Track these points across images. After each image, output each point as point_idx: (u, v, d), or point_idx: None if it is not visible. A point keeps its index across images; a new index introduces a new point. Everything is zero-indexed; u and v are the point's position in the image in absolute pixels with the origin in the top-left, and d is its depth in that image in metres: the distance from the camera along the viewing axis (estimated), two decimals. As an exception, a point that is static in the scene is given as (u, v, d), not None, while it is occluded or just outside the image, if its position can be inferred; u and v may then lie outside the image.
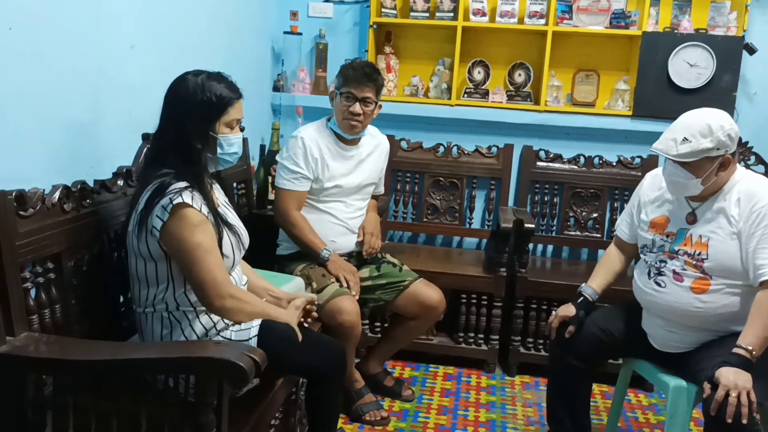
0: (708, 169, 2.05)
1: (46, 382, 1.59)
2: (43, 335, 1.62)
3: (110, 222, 1.96)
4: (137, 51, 2.33)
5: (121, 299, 2.04)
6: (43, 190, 1.68)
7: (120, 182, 2.02)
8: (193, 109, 1.82)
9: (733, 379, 1.87)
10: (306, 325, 2.10)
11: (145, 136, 2.18)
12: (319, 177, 2.72)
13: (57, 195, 1.72)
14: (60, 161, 1.97)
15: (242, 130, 1.96)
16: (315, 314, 2.16)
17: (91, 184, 1.91)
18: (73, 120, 2.04)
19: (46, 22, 1.87)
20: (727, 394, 1.86)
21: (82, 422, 1.55)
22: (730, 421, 1.84)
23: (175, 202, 1.71)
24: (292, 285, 2.48)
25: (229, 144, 1.88)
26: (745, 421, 1.84)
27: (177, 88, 1.85)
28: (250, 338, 1.83)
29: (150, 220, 1.73)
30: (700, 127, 2.02)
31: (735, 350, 1.95)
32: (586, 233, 3.59)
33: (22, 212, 1.59)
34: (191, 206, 1.74)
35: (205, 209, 1.79)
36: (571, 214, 3.59)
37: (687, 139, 2.02)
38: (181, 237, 1.73)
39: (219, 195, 2.01)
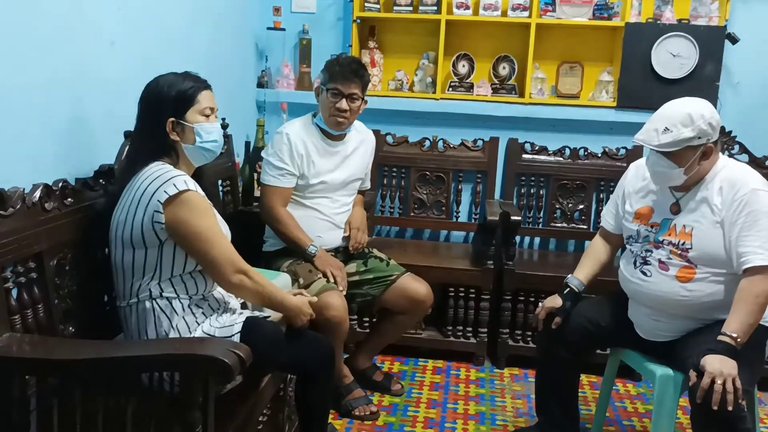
0: (690, 159, 2.06)
1: (30, 383, 1.57)
2: (26, 335, 1.60)
3: (93, 220, 1.94)
4: (118, 48, 2.30)
5: (106, 298, 2.02)
6: (23, 189, 1.67)
7: (102, 181, 2.01)
8: (164, 103, 1.86)
9: (719, 366, 1.88)
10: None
11: (127, 134, 2.16)
12: (305, 173, 2.71)
13: (38, 194, 1.70)
14: (41, 160, 1.94)
15: (225, 127, 1.96)
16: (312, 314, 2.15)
17: (72, 182, 1.89)
18: (53, 119, 2.01)
19: (26, 19, 1.85)
20: (713, 382, 1.87)
21: (67, 422, 1.54)
22: (716, 408, 1.86)
23: (180, 189, 1.75)
24: (278, 281, 2.47)
25: (207, 132, 1.90)
26: (730, 408, 1.85)
27: (147, 89, 1.91)
28: (233, 335, 1.82)
29: (150, 206, 1.75)
30: (681, 117, 2.03)
31: (720, 338, 1.96)
32: (573, 225, 3.60)
33: (1, 212, 1.57)
34: (195, 191, 1.78)
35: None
36: (557, 206, 3.60)
37: (668, 129, 2.03)
38: (192, 221, 1.77)
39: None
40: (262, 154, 2.81)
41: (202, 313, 1.87)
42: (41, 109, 1.95)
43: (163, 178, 1.77)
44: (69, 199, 1.83)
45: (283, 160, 2.67)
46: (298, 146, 2.69)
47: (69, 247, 1.84)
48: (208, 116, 1.91)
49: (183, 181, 1.77)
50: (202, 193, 1.84)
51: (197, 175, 1.99)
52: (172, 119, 1.86)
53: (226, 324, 1.86)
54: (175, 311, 1.83)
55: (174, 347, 1.54)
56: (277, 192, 2.68)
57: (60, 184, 1.81)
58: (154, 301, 1.81)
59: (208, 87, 1.94)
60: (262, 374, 1.96)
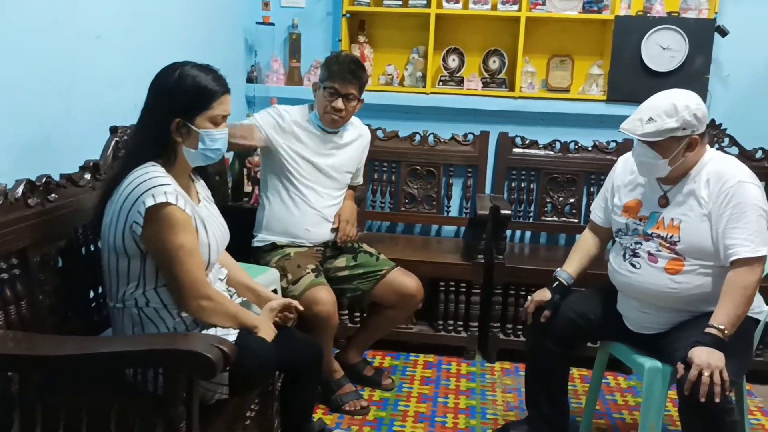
0: (674, 150, 2.06)
1: (13, 380, 1.56)
2: (9, 332, 1.59)
3: (78, 216, 1.92)
4: (104, 42, 2.29)
5: (92, 294, 2.01)
6: (5, 184, 1.65)
7: (87, 176, 1.98)
8: (175, 101, 1.77)
9: (706, 358, 1.88)
10: (284, 324, 2.07)
11: (113, 129, 2.15)
12: (291, 147, 2.70)
13: (20, 189, 1.69)
14: (25, 155, 1.93)
15: None
16: (294, 316, 2.11)
17: (56, 178, 1.87)
18: (36, 113, 2.00)
19: (8, 11, 1.84)
20: (701, 374, 1.87)
21: (50, 419, 1.52)
22: (703, 400, 1.86)
23: (158, 201, 1.68)
24: (266, 276, 2.47)
25: (212, 140, 1.82)
26: (717, 400, 1.85)
27: (160, 79, 1.80)
28: None
29: (130, 216, 1.70)
30: (665, 107, 2.03)
31: (707, 330, 1.96)
32: (563, 218, 3.60)
33: (-17, 207, 1.56)
34: (175, 205, 1.70)
35: (188, 208, 1.76)
36: (547, 200, 3.59)
37: (652, 119, 2.03)
38: (164, 238, 1.70)
39: (201, 190, 1.98)
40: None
41: (193, 321, 1.82)
42: (24, 102, 1.94)
43: (145, 187, 1.69)
44: (53, 195, 1.81)
45: (259, 119, 2.70)
46: (290, 123, 2.70)
47: (53, 243, 1.83)
48: (217, 124, 1.82)
49: (163, 192, 1.69)
50: (183, 203, 1.73)
51: (201, 167, 1.94)
52: (178, 120, 1.77)
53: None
54: (163, 320, 1.79)
55: (157, 342, 1.53)
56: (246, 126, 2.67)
57: (44, 180, 1.79)
58: (140, 310, 1.78)
59: (226, 91, 1.83)
60: (252, 389, 1.93)
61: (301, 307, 2.11)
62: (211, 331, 1.81)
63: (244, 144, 2.67)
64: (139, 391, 1.58)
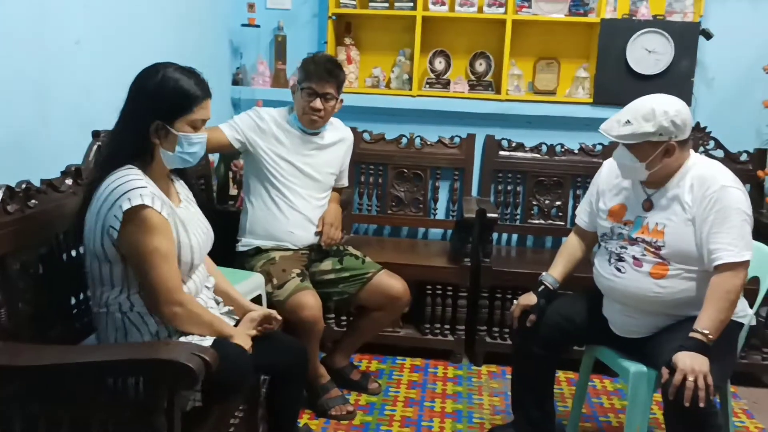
0: (651, 155, 2.07)
1: (-9, 390, 1.54)
2: (-12, 341, 1.57)
3: (59, 222, 1.89)
4: (84, 47, 2.27)
5: (73, 301, 1.99)
6: (-16, 191, 1.63)
7: (69, 181, 1.96)
8: (156, 102, 1.75)
9: (690, 363, 1.88)
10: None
11: (95, 134, 2.12)
12: (270, 148, 2.70)
13: (-1, 195, 1.67)
14: (3, 161, 1.91)
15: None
16: (273, 327, 2.07)
17: (37, 183, 1.85)
18: (16, 118, 1.98)
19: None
20: (685, 378, 1.87)
21: (30, 428, 1.50)
22: (687, 404, 1.86)
23: (134, 204, 1.66)
24: (251, 282, 2.45)
25: (190, 143, 1.81)
26: (702, 405, 1.86)
27: (142, 80, 1.78)
28: None
29: (107, 220, 1.68)
30: (644, 111, 2.04)
31: (692, 334, 1.97)
32: (550, 221, 3.60)
33: (-39, 214, 1.54)
34: (151, 208, 1.68)
35: (165, 211, 1.74)
36: (534, 203, 3.60)
37: (629, 122, 2.05)
38: (138, 240, 1.68)
39: (181, 190, 1.96)
40: None
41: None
42: (3, 108, 1.91)
43: (121, 190, 1.67)
44: (33, 201, 1.78)
45: (240, 119, 2.71)
46: (269, 124, 2.70)
47: (34, 250, 1.80)
48: (197, 128, 1.81)
49: (140, 195, 1.67)
50: (160, 206, 1.71)
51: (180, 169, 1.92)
52: (158, 122, 1.76)
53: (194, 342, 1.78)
54: (147, 325, 1.77)
55: (137, 351, 1.51)
56: (215, 129, 2.64)
57: (23, 185, 1.76)
58: (124, 315, 1.76)
59: (208, 96, 1.82)
60: (227, 397, 1.87)
61: (279, 318, 2.08)
62: (188, 338, 1.79)
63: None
64: (120, 400, 1.56)
